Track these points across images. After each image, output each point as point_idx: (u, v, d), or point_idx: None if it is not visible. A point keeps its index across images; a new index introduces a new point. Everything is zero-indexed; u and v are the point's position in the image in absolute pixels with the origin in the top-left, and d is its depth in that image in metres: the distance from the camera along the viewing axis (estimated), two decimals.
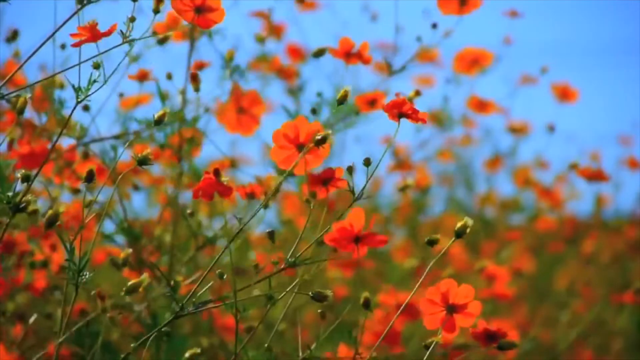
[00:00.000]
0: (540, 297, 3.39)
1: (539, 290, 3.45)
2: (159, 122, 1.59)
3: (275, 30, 2.57)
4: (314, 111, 2.04)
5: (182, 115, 2.05)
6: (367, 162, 1.52)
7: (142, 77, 2.12)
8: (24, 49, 2.03)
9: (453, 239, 1.53)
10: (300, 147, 1.55)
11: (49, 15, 1.80)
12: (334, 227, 1.51)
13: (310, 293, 1.55)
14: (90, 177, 1.55)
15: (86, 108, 2.06)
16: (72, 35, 1.53)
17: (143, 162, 1.55)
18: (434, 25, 1.91)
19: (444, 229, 3.41)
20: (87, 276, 1.54)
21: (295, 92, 2.50)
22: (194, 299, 1.56)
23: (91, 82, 1.53)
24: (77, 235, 1.52)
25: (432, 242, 1.55)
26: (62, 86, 2.03)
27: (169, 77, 2.03)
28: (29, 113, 2.06)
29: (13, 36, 2.01)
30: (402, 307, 1.64)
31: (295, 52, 2.73)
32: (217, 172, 1.58)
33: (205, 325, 2.29)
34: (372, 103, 1.97)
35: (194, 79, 1.91)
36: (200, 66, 2.10)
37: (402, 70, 2.15)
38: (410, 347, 2.26)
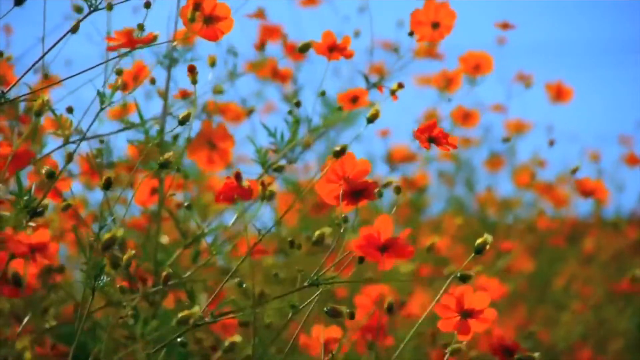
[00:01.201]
0: (539, 296, 3.40)
1: (538, 290, 3.45)
2: (183, 122, 1.60)
3: (273, 32, 2.58)
4: (297, 104, 2.04)
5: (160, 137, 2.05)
6: (397, 190, 1.53)
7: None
8: (17, 51, 2.04)
9: (472, 255, 1.54)
10: (345, 181, 1.55)
11: (37, 17, 1.80)
12: (360, 232, 1.51)
13: (325, 309, 1.55)
14: (107, 185, 1.56)
15: (70, 110, 2.06)
16: (109, 39, 1.54)
17: (164, 165, 1.56)
18: (411, 33, 1.91)
19: (444, 229, 3.41)
20: (104, 280, 1.55)
21: (290, 98, 2.50)
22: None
23: (115, 88, 1.55)
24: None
25: (464, 278, 1.55)
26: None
27: (153, 82, 2.04)
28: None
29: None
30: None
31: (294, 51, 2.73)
32: (238, 176, 1.59)
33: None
34: (354, 100, 1.97)
35: (192, 72, 1.90)
36: (192, 68, 2.11)
37: (379, 83, 2.15)
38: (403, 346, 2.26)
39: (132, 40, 1.53)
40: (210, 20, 1.58)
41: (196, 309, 1.54)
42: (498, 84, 3.34)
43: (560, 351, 3.06)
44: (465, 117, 2.88)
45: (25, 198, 1.57)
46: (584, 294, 3.34)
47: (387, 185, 1.65)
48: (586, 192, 2.41)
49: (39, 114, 1.60)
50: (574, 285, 3.38)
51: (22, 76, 1.67)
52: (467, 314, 1.53)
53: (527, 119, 3.58)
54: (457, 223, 3.35)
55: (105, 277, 1.55)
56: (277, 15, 2.58)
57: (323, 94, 1.97)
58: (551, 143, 2.68)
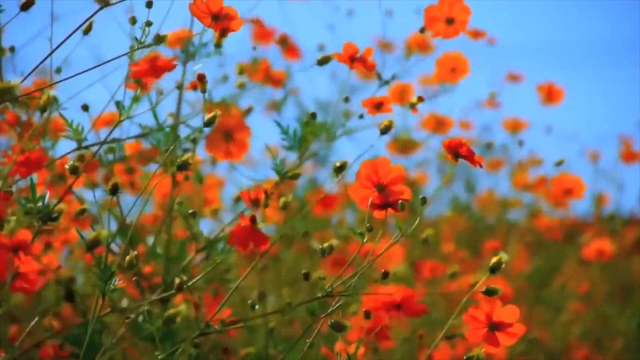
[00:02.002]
0: (538, 296, 3.40)
1: (537, 290, 3.45)
2: (208, 124, 1.60)
3: (266, 35, 2.58)
4: (313, 115, 2.04)
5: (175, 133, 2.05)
6: (423, 201, 1.54)
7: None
8: (19, 49, 2.04)
9: (487, 275, 1.55)
10: (379, 187, 1.55)
11: (37, 17, 1.81)
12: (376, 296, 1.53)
13: (329, 322, 1.56)
14: (114, 190, 1.56)
15: (85, 108, 2.05)
16: (132, 65, 1.56)
17: (183, 167, 1.56)
18: (423, 30, 1.90)
19: (443, 230, 3.42)
20: (114, 283, 1.55)
21: (277, 106, 2.51)
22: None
23: (135, 99, 1.55)
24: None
25: (491, 292, 1.55)
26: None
27: (160, 93, 2.04)
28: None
29: None
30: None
31: (292, 52, 2.73)
32: (253, 219, 1.57)
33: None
34: (378, 106, 1.97)
35: (201, 80, 1.91)
36: (202, 77, 2.11)
37: (393, 80, 2.14)
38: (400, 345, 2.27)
39: (155, 68, 1.55)
40: (218, 17, 1.59)
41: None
42: (498, 84, 3.35)
43: (558, 351, 3.06)
44: (438, 124, 2.88)
45: (39, 204, 1.57)
46: (582, 293, 3.35)
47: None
48: (564, 190, 2.41)
49: (44, 109, 1.61)
50: (573, 285, 3.39)
51: (30, 73, 1.67)
52: (495, 326, 1.53)
53: (524, 118, 3.59)
54: (457, 224, 3.36)
55: (115, 281, 1.55)
56: (268, 11, 2.57)
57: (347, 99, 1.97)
58: (520, 143, 2.69)
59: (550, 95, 3.15)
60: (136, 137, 2.05)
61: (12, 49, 2.00)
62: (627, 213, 3.92)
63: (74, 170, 1.60)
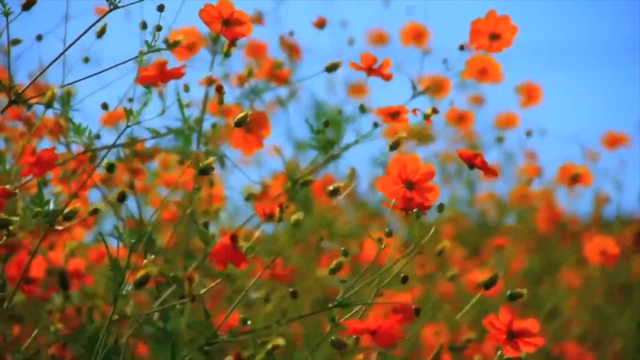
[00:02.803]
0: (537, 296, 3.40)
1: (536, 290, 3.46)
2: (239, 123, 1.60)
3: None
4: (326, 123, 2.04)
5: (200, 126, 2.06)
6: (440, 209, 1.55)
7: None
8: (17, 50, 2.04)
9: (480, 293, 1.56)
10: (408, 184, 1.56)
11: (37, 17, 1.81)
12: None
13: (330, 340, 1.56)
14: (122, 198, 1.56)
15: (105, 107, 2.05)
16: (141, 70, 1.56)
17: (204, 171, 1.56)
18: (462, 48, 1.92)
19: (443, 231, 3.42)
20: (129, 288, 1.55)
21: (283, 102, 2.51)
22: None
23: (144, 104, 1.56)
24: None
25: (514, 297, 1.57)
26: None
27: (186, 89, 2.04)
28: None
29: None
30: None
31: (294, 50, 2.73)
32: (234, 238, 1.57)
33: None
34: (394, 116, 1.97)
35: (219, 91, 1.91)
36: (220, 88, 2.12)
37: (424, 93, 2.15)
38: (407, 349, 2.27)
39: (164, 73, 1.55)
40: (229, 23, 1.60)
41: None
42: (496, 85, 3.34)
43: (558, 352, 3.07)
44: (459, 118, 2.89)
45: (46, 208, 1.57)
46: (580, 291, 3.35)
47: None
48: (572, 179, 2.42)
49: (49, 105, 1.61)
50: (572, 285, 3.39)
51: (43, 72, 1.67)
52: (514, 334, 1.55)
53: (518, 115, 3.59)
54: (457, 225, 3.36)
55: (129, 286, 1.54)
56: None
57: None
58: (528, 134, 2.70)
59: (530, 95, 3.16)
60: (154, 137, 2.06)
61: (15, 42, 2.01)
62: (627, 213, 3.93)
63: (110, 168, 1.59)
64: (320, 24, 2.31)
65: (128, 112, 1.57)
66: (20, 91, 1.64)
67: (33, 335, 1.82)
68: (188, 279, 1.72)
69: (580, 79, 5.23)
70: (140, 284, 1.53)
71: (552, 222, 3.71)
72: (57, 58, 1.63)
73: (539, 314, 3.20)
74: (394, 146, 1.66)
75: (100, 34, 1.88)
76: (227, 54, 1.61)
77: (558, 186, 3.69)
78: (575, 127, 4.01)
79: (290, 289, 1.64)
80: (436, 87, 2.52)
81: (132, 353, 1.89)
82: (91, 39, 1.85)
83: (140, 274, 1.53)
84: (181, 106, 2.02)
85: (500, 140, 3.35)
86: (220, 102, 1.85)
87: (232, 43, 1.61)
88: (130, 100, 1.64)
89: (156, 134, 2.05)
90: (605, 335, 3.25)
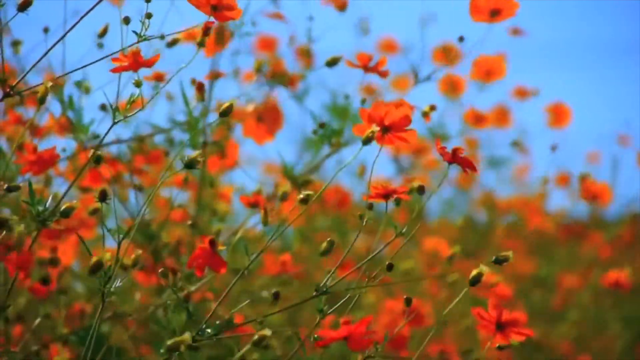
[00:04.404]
0: (537, 296, 3.41)
1: (536, 290, 3.46)
2: (224, 114, 1.59)
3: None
4: (322, 125, 2.04)
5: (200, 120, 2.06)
6: (421, 190, 1.55)
7: (158, 78, 2.13)
8: (26, 47, 2.05)
9: (466, 288, 1.57)
10: (384, 129, 1.56)
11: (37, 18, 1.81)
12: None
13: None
14: (103, 197, 1.56)
15: (104, 108, 2.05)
16: (114, 60, 1.55)
17: (190, 165, 1.55)
18: (461, 39, 1.92)
19: (442, 232, 3.42)
20: (116, 285, 1.55)
21: (300, 98, 2.51)
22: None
23: (130, 101, 1.54)
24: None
25: (499, 261, 1.58)
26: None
27: (194, 82, 2.04)
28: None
29: None
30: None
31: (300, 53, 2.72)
32: (213, 243, 1.56)
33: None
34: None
35: (200, 89, 1.90)
36: (217, 75, 2.12)
37: (428, 79, 2.15)
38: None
39: (137, 63, 1.54)
40: (218, 8, 1.58)
41: (186, 335, 1.52)
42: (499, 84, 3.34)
43: (558, 352, 3.07)
44: (476, 119, 2.89)
45: (39, 207, 1.57)
46: (582, 293, 3.35)
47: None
48: (590, 195, 2.41)
49: (42, 101, 1.60)
50: (571, 285, 3.40)
51: (34, 66, 1.67)
52: (502, 325, 1.56)
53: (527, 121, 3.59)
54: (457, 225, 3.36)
55: (117, 282, 1.54)
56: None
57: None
58: (554, 148, 2.69)
59: (558, 116, 3.17)
60: (157, 132, 2.07)
61: (16, 43, 2.01)
62: (627, 213, 3.93)
63: (98, 160, 1.58)
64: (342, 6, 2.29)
65: (114, 110, 1.55)
66: (14, 84, 1.63)
67: (33, 335, 1.82)
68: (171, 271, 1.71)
69: (581, 79, 5.23)
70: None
71: (552, 222, 3.72)
72: (47, 51, 1.62)
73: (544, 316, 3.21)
74: (367, 142, 1.65)
75: (102, 34, 1.89)
76: (200, 44, 1.58)
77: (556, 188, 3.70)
78: (575, 127, 4.01)
79: (273, 290, 1.65)
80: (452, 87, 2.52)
81: (134, 353, 1.89)
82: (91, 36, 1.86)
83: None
84: (186, 100, 2.02)
85: (516, 144, 3.36)
86: (201, 99, 1.85)
87: (206, 33, 1.58)
88: (114, 111, 1.63)
89: (159, 130, 2.05)
90: (604, 336, 3.26)
